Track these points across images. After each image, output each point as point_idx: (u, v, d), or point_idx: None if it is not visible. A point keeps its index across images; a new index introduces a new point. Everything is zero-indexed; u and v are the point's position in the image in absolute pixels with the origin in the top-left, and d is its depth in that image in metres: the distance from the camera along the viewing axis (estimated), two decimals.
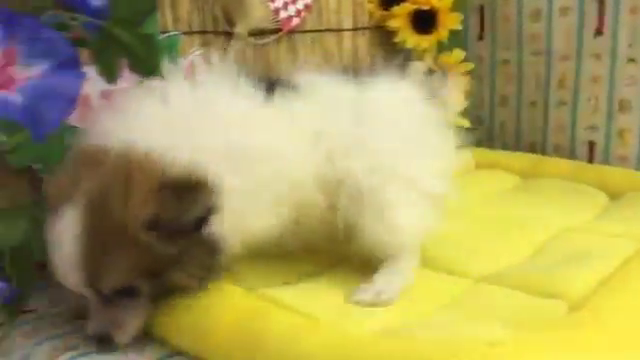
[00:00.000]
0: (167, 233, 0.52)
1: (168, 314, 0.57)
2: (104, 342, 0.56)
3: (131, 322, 0.57)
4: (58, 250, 0.53)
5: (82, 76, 0.59)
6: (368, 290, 0.62)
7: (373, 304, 0.60)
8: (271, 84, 0.62)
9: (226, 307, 0.56)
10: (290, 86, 0.63)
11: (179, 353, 0.57)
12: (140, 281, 0.54)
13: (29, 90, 0.57)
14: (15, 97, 0.56)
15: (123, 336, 0.56)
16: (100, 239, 0.52)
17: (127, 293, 0.55)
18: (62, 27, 0.59)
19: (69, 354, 0.57)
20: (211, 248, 0.56)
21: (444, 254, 0.73)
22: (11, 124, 0.55)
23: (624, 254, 0.70)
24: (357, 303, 0.61)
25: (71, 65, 0.58)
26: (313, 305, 0.58)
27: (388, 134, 0.64)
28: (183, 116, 0.57)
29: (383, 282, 0.63)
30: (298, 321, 0.54)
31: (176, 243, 0.53)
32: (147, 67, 0.61)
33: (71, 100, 0.58)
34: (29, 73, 0.57)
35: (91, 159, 0.54)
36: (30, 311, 0.66)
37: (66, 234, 0.52)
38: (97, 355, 0.56)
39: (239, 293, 0.59)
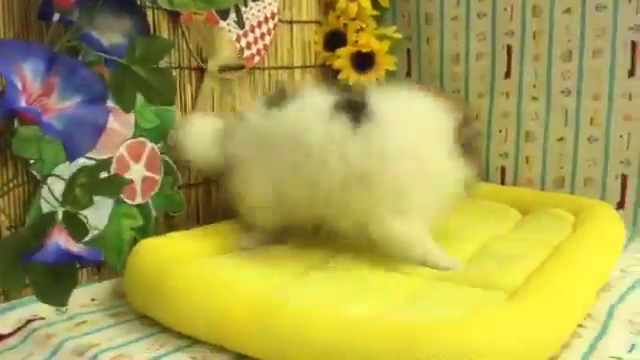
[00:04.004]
0: None
1: (186, 307, 0.67)
2: None
3: None
4: None
5: (109, 111, 0.68)
6: None
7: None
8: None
9: (238, 298, 0.67)
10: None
11: (197, 342, 0.67)
12: None
13: (64, 118, 0.65)
14: (54, 122, 0.64)
15: None
16: None
17: None
18: (90, 64, 0.68)
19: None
20: None
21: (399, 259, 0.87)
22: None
23: (541, 256, 0.86)
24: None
25: (101, 100, 0.67)
26: (313, 296, 0.70)
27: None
28: None
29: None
30: (305, 309, 0.65)
31: None
32: (164, 99, 0.71)
33: (99, 130, 0.66)
34: (65, 104, 0.65)
35: None
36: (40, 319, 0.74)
37: None
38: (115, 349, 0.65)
39: (248, 286, 0.70)
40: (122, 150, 0.91)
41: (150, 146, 0.95)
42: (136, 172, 0.92)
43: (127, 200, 0.91)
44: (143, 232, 0.92)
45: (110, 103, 0.69)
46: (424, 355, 0.57)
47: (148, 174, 0.94)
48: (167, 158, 0.97)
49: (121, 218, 0.89)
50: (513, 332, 0.59)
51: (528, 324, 0.62)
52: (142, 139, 0.93)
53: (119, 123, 0.90)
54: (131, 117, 0.92)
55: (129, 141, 0.92)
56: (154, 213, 0.94)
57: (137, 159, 0.93)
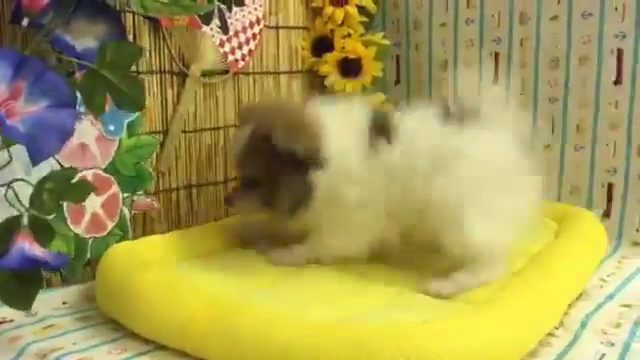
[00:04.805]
0: (287, 158, 0.78)
1: (149, 311, 0.67)
2: (229, 201, 0.90)
3: (246, 202, 0.85)
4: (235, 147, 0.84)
5: (76, 115, 0.68)
6: (447, 286, 0.77)
7: (447, 297, 0.76)
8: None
9: (202, 303, 0.67)
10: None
11: (161, 347, 0.67)
12: (261, 179, 0.82)
13: (30, 122, 0.65)
14: (19, 126, 0.64)
15: (239, 204, 0.87)
16: (251, 145, 0.82)
17: (252, 184, 0.83)
18: (60, 68, 0.68)
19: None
20: (305, 188, 0.79)
21: (371, 267, 0.87)
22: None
23: (518, 265, 0.86)
24: (436, 295, 0.76)
25: (68, 105, 0.67)
26: (279, 302, 0.70)
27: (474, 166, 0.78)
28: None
29: (462, 280, 0.77)
30: (268, 315, 0.65)
31: (290, 168, 0.79)
32: (133, 105, 0.71)
33: (65, 135, 0.66)
34: (31, 108, 0.66)
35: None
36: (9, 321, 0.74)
37: (239, 137, 0.84)
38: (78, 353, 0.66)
39: (212, 292, 0.70)
40: (89, 175, 0.89)
41: (116, 189, 0.93)
42: (91, 202, 0.89)
43: (70, 223, 0.87)
44: (120, 236, 0.92)
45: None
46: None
47: (101, 213, 0.91)
48: (126, 211, 0.94)
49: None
50: (472, 338, 0.59)
51: (489, 331, 0.62)
52: (111, 177, 0.92)
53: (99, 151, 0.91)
54: (112, 148, 0.92)
55: (98, 171, 0.90)
56: (129, 216, 0.95)
57: (98, 192, 0.90)
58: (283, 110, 0.86)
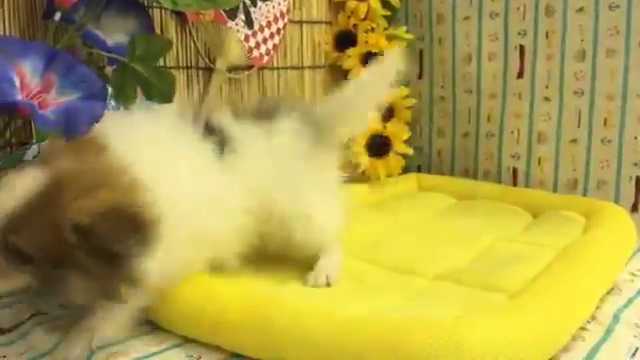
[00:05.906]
0: (88, 246, 0.56)
1: (182, 305, 0.67)
2: None
3: (12, 280, 0.60)
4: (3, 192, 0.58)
5: (106, 106, 0.68)
6: (319, 276, 0.77)
7: (325, 285, 0.77)
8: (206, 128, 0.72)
9: (235, 296, 0.67)
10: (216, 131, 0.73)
11: (191, 340, 0.67)
12: (40, 256, 0.57)
13: (61, 110, 0.66)
14: (50, 115, 0.65)
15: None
16: (36, 207, 0.56)
17: (24, 258, 0.58)
18: (92, 62, 0.69)
19: None
20: (130, 278, 0.58)
21: (403, 259, 0.87)
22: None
23: (547, 259, 0.85)
24: (314, 286, 0.76)
25: (99, 97, 0.67)
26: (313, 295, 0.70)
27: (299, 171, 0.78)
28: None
29: (328, 267, 0.79)
30: (301, 308, 0.65)
31: (91, 258, 0.56)
32: (163, 97, 0.71)
33: (95, 117, 0.65)
34: (62, 100, 0.66)
35: (77, 148, 0.61)
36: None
37: (19, 187, 0.57)
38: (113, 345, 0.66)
39: (244, 285, 0.70)
40: None
41: None
42: None
43: None
44: None
45: None
46: (416, 355, 0.56)
47: None
48: None
49: None
50: (506, 333, 0.58)
51: (522, 326, 0.60)
52: None
53: None
54: None
55: None
56: None
57: None
58: (86, 169, 0.59)
